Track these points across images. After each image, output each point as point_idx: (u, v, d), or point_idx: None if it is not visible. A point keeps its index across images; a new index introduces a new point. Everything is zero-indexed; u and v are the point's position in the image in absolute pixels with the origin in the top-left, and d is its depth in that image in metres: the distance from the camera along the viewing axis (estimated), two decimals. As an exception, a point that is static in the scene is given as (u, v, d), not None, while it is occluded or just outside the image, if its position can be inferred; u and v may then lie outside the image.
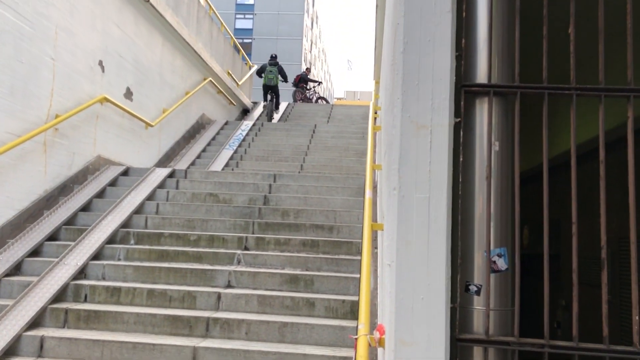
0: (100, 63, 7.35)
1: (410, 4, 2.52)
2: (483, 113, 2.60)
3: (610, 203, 2.52)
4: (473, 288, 2.54)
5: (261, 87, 14.09)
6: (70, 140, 6.72)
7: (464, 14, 2.61)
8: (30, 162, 5.99)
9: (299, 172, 8.78)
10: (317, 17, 62.78)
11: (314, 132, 11.42)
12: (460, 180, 2.55)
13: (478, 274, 2.56)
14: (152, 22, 8.86)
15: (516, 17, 2.57)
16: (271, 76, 13.74)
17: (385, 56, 5.17)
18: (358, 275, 5.02)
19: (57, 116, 6.38)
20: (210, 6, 12.51)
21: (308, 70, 19.70)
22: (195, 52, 10.70)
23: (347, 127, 11.97)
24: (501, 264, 2.55)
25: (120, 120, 7.93)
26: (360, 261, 5.26)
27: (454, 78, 2.51)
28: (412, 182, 2.44)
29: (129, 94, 8.20)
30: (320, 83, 19.33)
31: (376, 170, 5.60)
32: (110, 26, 7.56)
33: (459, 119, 2.55)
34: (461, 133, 2.56)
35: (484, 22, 2.62)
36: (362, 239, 5.67)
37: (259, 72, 14.20)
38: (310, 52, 58.51)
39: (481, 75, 2.61)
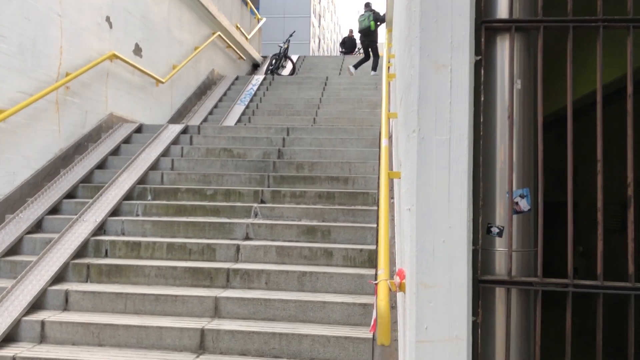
0: (108, 19, 7.22)
1: (427, -64, 2.40)
2: (504, 50, 2.51)
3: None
4: (495, 230, 2.51)
5: (270, 44, 13.66)
6: (82, 98, 6.68)
7: (484, -55, 2.48)
8: (44, 121, 5.98)
9: (312, 125, 8.71)
10: (325, -32, 61.09)
11: (325, 84, 11.26)
12: (481, 120, 2.48)
13: (500, 216, 2.52)
14: (157, -24, 8.66)
15: (539, -53, 2.44)
16: (362, 19, 12.31)
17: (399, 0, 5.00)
18: (374, 225, 5.02)
19: (67, 74, 6.33)
20: (215, -43, 12.17)
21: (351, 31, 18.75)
22: (203, 5, 10.49)
23: (359, 79, 11.77)
24: (524, 204, 2.50)
25: (130, 77, 7.85)
26: (376, 211, 5.25)
27: (474, 14, 2.40)
28: (431, 124, 2.38)
29: (138, 51, 8.09)
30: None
31: (391, 120, 5.51)
32: (116, -20, 7.40)
33: (480, 57, 2.46)
34: (482, 71, 2.48)
35: (505, -47, 2.49)
36: (378, 188, 5.65)
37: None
38: (320, 3, 57.23)
39: (502, 10, 2.51)
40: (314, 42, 53.13)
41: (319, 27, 56.74)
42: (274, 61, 13.32)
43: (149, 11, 8.39)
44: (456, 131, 2.38)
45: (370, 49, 12.58)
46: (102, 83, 7.12)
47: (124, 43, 7.68)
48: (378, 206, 5.40)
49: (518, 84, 2.48)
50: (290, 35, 14.19)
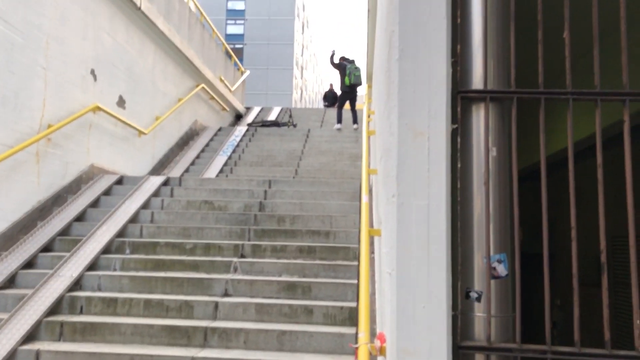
0: (92, 72, 7.30)
1: (405, 11, 2.51)
2: (480, 118, 2.59)
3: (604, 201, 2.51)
4: (474, 295, 2.53)
5: (259, 94, 13.58)
6: (63, 149, 6.66)
7: (458, 19, 2.60)
8: (23, 172, 5.93)
9: (294, 177, 8.76)
10: (307, 22, 62.84)
11: (307, 136, 11.40)
12: (458, 186, 2.54)
13: (478, 280, 2.54)
14: (143, 30, 8.82)
15: (511, 22, 2.56)
16: (357, 72, 12.02)
17: (378, 62, 5.17)
18: (356, 281, 5.00)
19: (49, 126, 6.33)
20: (201, 12, 12.48)
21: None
22: (188, 58, 10.67)
23: (341, 132, 11.95)
24: (501, 270, 2.54)
25: (113, 128, 7.88)
26: (357, 267, 5.24)
27: (450, 84, 2.49)
28: (410, 189, 2.43)
29: (121, 102, 8.15)
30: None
31: (372, 175, 5.58)
32: (102, 34, 7.52)
33: (456, 125, 2.54)
34: (458, 139, 2.56)
35: (479, 27, 2.61)
36: (359, 245, 5.66)
37: (336, 66, 12.37)
38: (302, 56, 58.54)
39: (477, 80, 2.60)
40: (297, 93, 54.05)
41: (301, 78, 57.85)
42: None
43: (134, 64, 8.51)
44: (434, 197, 2.42)
45: (354, 102, 12.60)
46: (84, 134, 7.12)
47: (108, 95, 7.74)
48: (359, 262, 5.40)
49: (493, 151, 2.56)
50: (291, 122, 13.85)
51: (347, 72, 12.09)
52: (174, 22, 10.25)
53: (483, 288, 2.51)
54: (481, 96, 2.53)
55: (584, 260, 6.57)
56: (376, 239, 4.98)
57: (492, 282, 2.49)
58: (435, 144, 2.44)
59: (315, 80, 72.00)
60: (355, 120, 12.39)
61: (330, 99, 18.35)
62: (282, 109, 16.28)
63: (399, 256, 2.40)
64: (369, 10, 8.59)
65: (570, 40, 2.55)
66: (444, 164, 2.43)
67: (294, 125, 13.61)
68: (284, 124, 13.49)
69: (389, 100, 2.84)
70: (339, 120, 12.40)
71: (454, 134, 2.52)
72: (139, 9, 8.36)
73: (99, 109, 7.29)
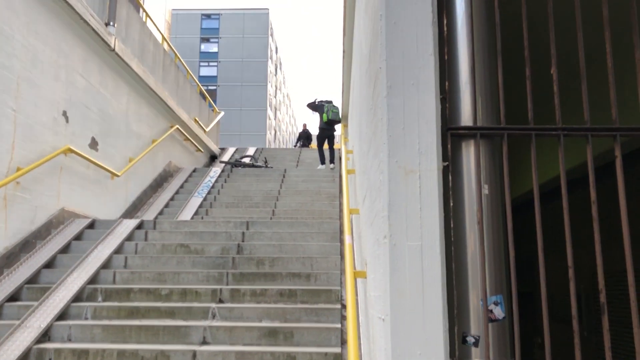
0: (64, 113, 7.13)
1: (392, 48, 2.47)
2: (469, 155, 2.53)
3: (584, 238, 2.46)
4: (471, 339, 2.41)
5: (233, 135, 13.47)
6: (32, 193, 6.42)
7: (445, 56, 2.57)
8: (-10, 218, 5.67)
9: (271, 218, 8.61)
10: (280, 64, 63.68)
11: (284, 176, 11.31)
12: (451, 225, 2.45)
13: (475, 323, 2.43)
14: (117, 72, 8.72)
15: (498, 59, 2.54)
16: (335, 110, 12.14)
17: (358, 100, 5.14)
18: (339, 325, 4.83)
19: (18, 169, 6.10)
20: (175, 54, 12.47)
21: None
22: (162, 100, 10.57)
23: (317, 171, 11.89)
24: (498, 312, 2.43)
25: (85, 171, 7.66)
26: (340, 310, 5.08)
27: (440, 121, 2.44)
28: (402, 230, 2.33)
29: (94, 144, 7.96)
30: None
31: (353, 215, 5.47)
32: (75, 76, 7.38)
33: (447, 163, 2.48)
34: (450, 177, 2.48)
35: (465, 64, 2.58)
36: (342, 288, 5.51)
37: (314, 108, 12.41)
38: (275, 97, 59.04)
39: (465, 117, 2.56)
40: (270, 133, 54.25)
41: (274, 119, 58.19)
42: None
43: (107, 105, 8.36)
44: (428, 237, 2.33)
45: (331, 141, 12.58)
46: (55, 177, 6.89)
47: (80, 137, 7.55)
48: (342, 305, 5.24)
49: (485, 189, 2.49)
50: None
51: (325, 109, 12.22)
52: (148, 64, 10.18)
53: (480, 332, 2.40)
54: (471, 133, 2.48)
55: (564, 298, 6.53)
56: (359, 282, 4.84)
57: (490, 325, 2.39)
58: (427, 183, 2.37)
59: (288, 120, 72.52)
60: (332, 160, 12.36)
61: (304, 139, 18.46)
62: (257, 149, 16.20)
63: (393, 301, 2.28)
64: (344, 52, 8.67)
65: (557, 76, 2.54)
66: (437, 203, 2.35)
67: (268, 166, 13.48)
68: (259, 166, 13.38)
69: (376, 138, 2.78)
70: (322, 161, 12.42)
71: (444, 172, 2.45)
72: (113, 50, 8.27)
73: (70, 151, 7.09)
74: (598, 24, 2.83)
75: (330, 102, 12.55)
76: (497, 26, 2.56)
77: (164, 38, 11.75)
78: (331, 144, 12.44)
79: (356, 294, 5.50)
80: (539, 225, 2.43)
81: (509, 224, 2.45)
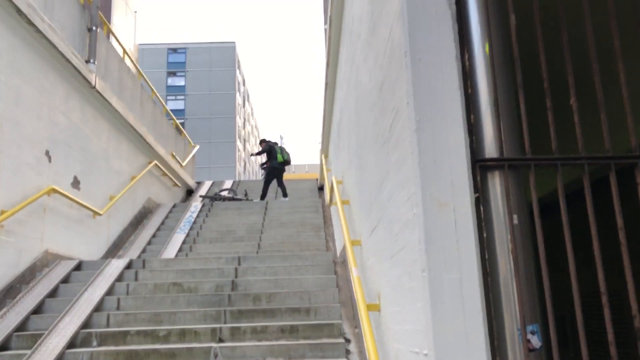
0: (47, 153, 6.97)
1: (418, 83, 2.52)
2: (496, 186, 2.58)
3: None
4: (511, 370, 2.41)
5: (202, 167, 13.66)
6: (16, 236, 6.21)
7: (469, 90, 2.63)
8: (-26, 264, 5.45)
9: (257, 252, 8.52)
10: (248, 95, 63.94)
11: (266, 208, 11.24)
12: (486, 257, 2.47)
13: (512, 354, 2.44)
14: (98, 109, 8.61)
15: (520, 91, 2.61)
16: (288, 151, 13.57)
17: (354, 131, 5.17)
18: None
19: (2, 212, 5.91)
20: (152, 89, 12.40)
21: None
22: (141, 135, 10.45)
23: (298, 202, 11.88)
24: (535, 342, 2.45)
25: (68, 210, 7.47)
26: (344, 344, 5.02)
27: (469, 153, 2.48)
28: (441, 263, 2.34)
29: (76, 183, 7.79)
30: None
31: (349, 247, 5.42)
32: (57, 114, 7.26)
33: (478, 194, 2.51)
34: (481, 208, 2.52)
35: (487, 96, 2.64)
36: (346, 323, 5.46)
37: (266, 151, 13.45)
38: (244, 129, 59.07)
39: (490, 149, 2.60)
40: (240, 165, 54.08)
41: (244, 151, 58.11)
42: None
43: (88, 143, 8.22)
44: (466, 269, 2.34)
45: (282, 178, 13.51)
46: (39, 219, 6.70)
47: (63, 176, 7.38)
48: (345, 340, 5.18)
49: (515, 219, 2.52)
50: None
51: (278, 150, 13.36)
52: (127, 100, 10.09)
53: (519, 362, 2.41)
54: (499, 164, 2.53)
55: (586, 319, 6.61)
56: (364, 314, 4.80)
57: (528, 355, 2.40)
58: (461, 215, 2.39)
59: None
60: (285, 194, 13.15)
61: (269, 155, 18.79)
62: (234, 182, 16.10)
63: (437, 335, 2.27)
64: (326, 84, 8.78)
65: (577, 106, 2.62)
66: (472, 235, 2.38)
67: (249, 199, 13.47)
68: (239, 199, 13.30)
69: (400, 171, 2.80)
70: (264, 197, 13.14)
71: (475, 203, 2.48)
72: (94, 87, 8.18)
73: (54, 191, 6.91)
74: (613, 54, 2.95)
75: (276, 143, 13.83)
76: (516, 60, 2.64)
77: (140, 73, 11.70)
78: (281, 180, 13.42)
79: (355, 327, 5.46)
80: (570, 253, 2.48)
81: (541, 252, 2.49)
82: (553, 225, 3.35)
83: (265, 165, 13.51)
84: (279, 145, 13.77)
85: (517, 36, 2.67)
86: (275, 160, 13.28)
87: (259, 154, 13.67)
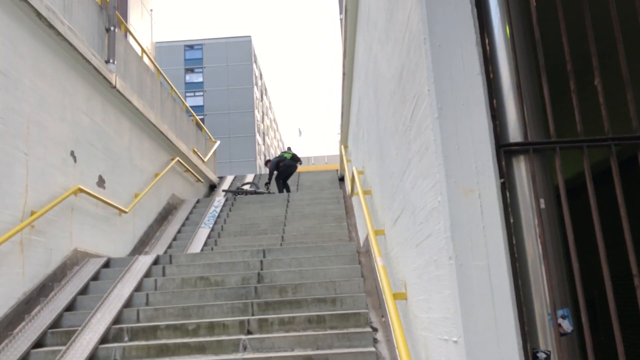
0: (72, 153, 7.08)
1: (439, 70, 2.49)
2: (521, 170, 2.55)
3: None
4: (542, 355, 2.39)
5: (223, 162, 13.90)
6: (46, 236, 6.33)
7: (491, 75, 2.59)
8: (8, 264, 5.58)
9: (281, 244, 8.56)
10: (266, 89, 64.03)
11: (288, 201, 11.28)
12: (514, 242, 2.45)
13: (543, 339, 2.42)
14: (119, 108, 8.71)
15: (543, 74, 2.57)
16: (293, 153, 14.12)
17: (374, 121, 5.15)
18: (373, 349, 4.78)
19: (32, 213, 6.03)
20: (171, 87, 12.49)
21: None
22: (162, 133, 10.55)
23: (319, 193, 11.89)
24: (566, 326, 2.42)
25: (94, 209, 7.59)
26: (372, 333, 5.03)
27: (493, 139, 2.45)
28: (468, 250, 2.33)
29: (101, 182, 7.90)
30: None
31: (372, 236, 5.41)
32: (80, 115, 7.36)
33: (503, 180, 2.48)
34: (507, 194, 2.49)
35: (509, 81, 2.60)
36: (372, 312, 5.47)
37: (274, 163, 13.84)
38: (263, 122, 59.23)
39: (514, 133, 2.57)
40: (260, 159, 54.28)
41: (263, 144, 58.30)
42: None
43: (111, 142, 8.33)
44: (494, 256, 2.32)
45: (288, 178, 13.97)
46: (67, 218, 6.82)
47: (88, 176, 7.50)
48: (372, 328, 5.19)
49: (542, 204, 2.49)
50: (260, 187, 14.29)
51: (282, 154, 13.91)
52: (147, 98, 10.18)
53: (550, 347, 2.39)
54: (524, 148, 2.49)
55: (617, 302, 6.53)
56: (390, 302, 4.80)
57: (560, 339, 2.37)
58: (487, 201, 2.37)
59: (277, 145, 72.65)
60: (289, 189, 13.69)
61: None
62: (255, 176, 16.18)
63: (466, 322, 2.26)
64: (344, 74, 8.74)
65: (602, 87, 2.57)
66: (499, 221, 2.35)
67: (271, 192, 13.62)
68: (261, 192, 13.41)
69: (423, 159, 2.78)
70: (284, 188, 13.63)
71: (501, 189, 2.46)
72: (114, 87, 8.27)
73: (81, 190, 7.03)
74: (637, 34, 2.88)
75: (278, 155, 14.18)
76: (537, 43, 2.59)
77: (159, 71, 11.78)
78: (287, 178, 13.90)
79: (382, 316, 5.47)
80: (599, 235, 2.44)
81: (569, 236, 2.46)
82: (580, 208, 3.31)
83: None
84: (285, 149, 14.29)
85: (538, 18, 2.63)
86: (286, 160, 13.71)
87: (270, 176, 13.83)
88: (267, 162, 14.59)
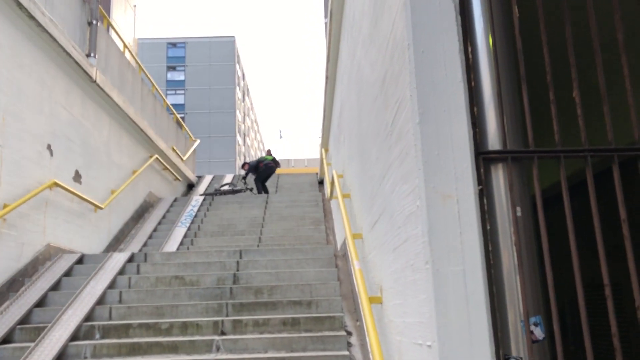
0: (49, 147, 6.96)
1: (422, 76, 2.51)
2: (499, 179, 2.58)
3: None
4: (514, 361, 2.41)
5: (203, 162, 13.93)
6: (18, 230, 6.20)
7: (472, 83, 2.62)
8: (-23, 257, 5.45)
9: (258, 246, 8.52)
10: (248, 90, 63.82)
11: (267, 202, 11.24)
12: (490, 249, 2.47)
13: (515, 345, 2.44)
14: (98, 103, 8.59)
15: (523, 84, 2.61)
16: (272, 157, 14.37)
17: (356, 124, 5.16)
18: (347, 353, 4.78)
19: (5, 206, 5.90)
20: (152, 83, 12.38)
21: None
22: (141, 129, 10.43)
23: (298, 196, 11.87)
24: (538, 333, 2.45)
25: (69, 204, 7.46)
26: (346, 337, 5.03)
27: (473, 146, 2.48)
28: (444, 255, 2.34)
29: (77, 177, 7.78)
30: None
31: (350, 240, 5.41)
32: (58, 109, 7.24)
33: (481, 187, 2.51)
34: (485, 201, 2.51)
35: (490, 89, 2.63)
36: (347, 316, 5.47)
37: (253, 165, 13.93)
38: (244, 123, 58.99)
39: (493, 141, 2.60)
40: (240, 159, 54.03)
41: (243, 145, 58.06)
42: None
43: (89, 137, 8.21)
44: (469, 261, 2.34)
45: (267, 180, 14.06)
46: (40, 212, 6.69)
47: (64, 170, 7.37)
48: (346, 332, 5.19)
49: (518, 211, 2.52)
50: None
51: (263, 156, 14.16)
52: (127, 94, 10.07)
53: (521, 353, 2.41)
54: (502, 156, 2.52)
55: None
56: (366, 307, 4.80)
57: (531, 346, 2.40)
58: (465, 207, 2.39)
59: (257, 146, 72.42)
60: (267, 191, 13.67)
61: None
62: (234, 176, 16.10)
63: (440, 327, 2.28)
64: (327, 77, 8.75)
65: (580, 99, 2.62)
66: (476, 227, 2.37)
67: (250, 190, 13.67)
68: (239, 190, 13.39)
69: (403, 164, 2.79)
70: (262, 190, 13.66)
71: (479, 196, 2.48)
72: (94, 81, 8.16)
73: (56, 185, 6.91)
74: (616, 46, 2.94)
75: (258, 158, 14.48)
76: (519, 53, 2.63)
77: (141, 67, 11.67)
78: (266, 180, 14.00)
79: (357, 320, 5.47)
80: (573, 245, 2.48)
81: (544, 244, 2.49)
82: (556, 217, 3.36)
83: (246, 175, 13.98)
84: (265, 152, 14.74)
85: (520, 29, 2.66)
86: (266, 160, 13.93)
87: (246, 175, 13.96)
88: (244, 165, 14.65)
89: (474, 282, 2.32)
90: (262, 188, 13.60)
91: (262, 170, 13.73)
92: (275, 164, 14.07)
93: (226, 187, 13.81)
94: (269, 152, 20.70)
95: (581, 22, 3.07)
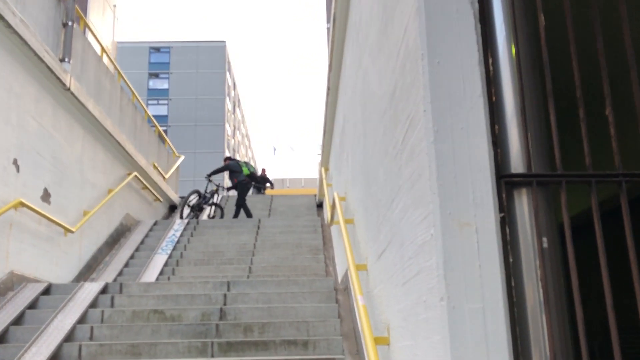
0: (15, 162, 6.98)
1: (436, 89, 2.53)
2: (523, 205, 2.59)
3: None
4: (539, 412, 2.40)
5: (187, 180, 13.98)
6: (-22, 255, 6.20)
7: (493, 97, 2.65)
8: None
9: (248, 277, 8.51)
10: (239, 101, 64.19)
11: (258, 227, 11.24)
12: (512, 284, 2.47)
13: (541, 394, 2.43)
14: (72, 113, 8.64)
15: (550, 100, 2.63)
16: (250, 165, 14.08)
17: (360, 142, 5.20)
18: (348, 399, 4.74)
19: (-37, 227, 5.90)
20: (133, 93, 12.46)
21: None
22: (119, 144, 10.48)
23: (294, 220, 11.89)
24: (567, 379, 2.44)
25: (36, 227, 7.46)
26: (347, 381, 4.99)
27: (494, 168, 2.49)
28: (461, 290, 2.34)
29: (46, 196, 7.79)
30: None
31: (353, 272, 5.41)
32: (27, 119, 7.28)
33: (503, 214, 2.52)
34: (507, 230, 2.52)
35: (513, 106, 2.66)
36: (344, 353, 5.44)
37: (226, 168, 13.74)
38: (233, 138, 59.21)
39: (516, 163, 2.62)
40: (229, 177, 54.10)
41: (233, 162, 58.17)
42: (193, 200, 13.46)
43: (60, 151, 8.24)
44: (490, 298, 2.35)
45: (245, 197, 13.58)
46: (3, 236, 6.68)
47: (32, 188, 7.39)
48: (348, 375, 5.16)
49: (544, 242, 2.53)
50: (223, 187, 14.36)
51: (241, 164, 13.67)
52: (104, 104, 10.14)
53: (548, 403, 2.40)
54: (527, 180, 2.54)
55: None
56: (371, 346, 4.78)
57: (559, 395, 2.39)
58: (485, 237, 2.40)
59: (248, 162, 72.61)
60: (249, 215, 13.21)
61: (262, 182, 19.48)
62: (222, 197, 16.12)
63: (457, 372, 2.26)
64: (329, 88, 8.83)
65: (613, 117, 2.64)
66: (497, 259, 2.38)
67: (220, 207, 13.99)
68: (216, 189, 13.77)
69: (414, 187, 2.81)
70: (238, 214, 13.17)
71: (501, 224, 2.49)
72: (68, 89, 8.22)
73: (22, 204, 6.91)
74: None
75: (238, 160, 14.24)
76: (545, 65, 2.66)
77: (120, 74, 11.76)
78: (245, 197, 13.48)
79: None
80: (606, 280, 2.48)
81: (573, 279, 2.49)
82: (586, 249, 3.36)
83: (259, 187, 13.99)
84: (243, 161, 14.26)
85: (547, 38, 2.70)
86: (241, 174, 13.39)
87: (218, 171, 13.50)
88: (226, 159, 14.51)
89: (494, 322, 2.31)
90: (237, 211, 13.11)
91: (238, 188, 13.23)
92: (266, 183, 14.12)
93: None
94: (263, 172, 21.00)
95: (614, 32, 3.12)
